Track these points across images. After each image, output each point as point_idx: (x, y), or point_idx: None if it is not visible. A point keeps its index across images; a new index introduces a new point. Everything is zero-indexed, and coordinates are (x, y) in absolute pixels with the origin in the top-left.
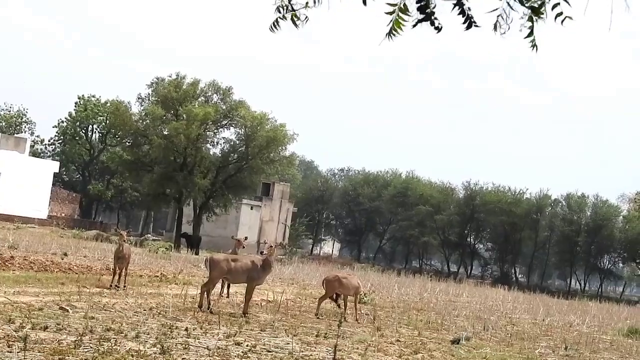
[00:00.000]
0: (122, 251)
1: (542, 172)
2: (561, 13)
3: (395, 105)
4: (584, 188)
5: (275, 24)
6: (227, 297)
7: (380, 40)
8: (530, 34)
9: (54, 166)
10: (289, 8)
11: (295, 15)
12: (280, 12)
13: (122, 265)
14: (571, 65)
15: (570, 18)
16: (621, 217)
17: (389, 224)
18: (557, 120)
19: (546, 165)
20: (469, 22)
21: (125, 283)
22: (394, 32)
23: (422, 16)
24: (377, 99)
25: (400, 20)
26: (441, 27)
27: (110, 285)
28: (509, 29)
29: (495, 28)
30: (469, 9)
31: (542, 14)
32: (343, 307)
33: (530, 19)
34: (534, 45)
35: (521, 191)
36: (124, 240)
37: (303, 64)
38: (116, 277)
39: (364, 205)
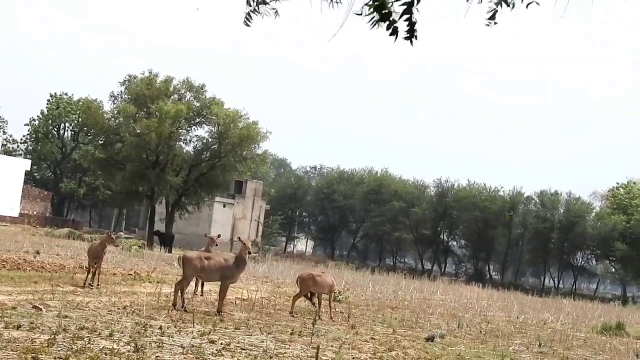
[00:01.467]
0: (97, 249)
1: (515, 170)
2: None
3: (368, 103)
4: (556, 185)
5: (249, 17)
6: (201, 295)
7: (330, 38)
8: (493, 17)
9: (26, 164)
10: (260, 0)
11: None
12: (250, 5)
13: (96, 263)
14: (542, 62)
15: (537, 3)
16: (594, 214)
17: (363, 221)
18: (529, 118)
19: (519, 164)
20: (411, 31)
21: (98, 281)
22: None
23: (378, 17)
24: (351, 97)
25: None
26: (397, 32)
27: (84, 284)
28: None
29: (493, 17)
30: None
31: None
32: (317, 305)
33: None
34: (495, 22)
35: (495, 188)
36: (115, 245)
37: (276, 62)
38: (90, 276)
39: (337, 202)
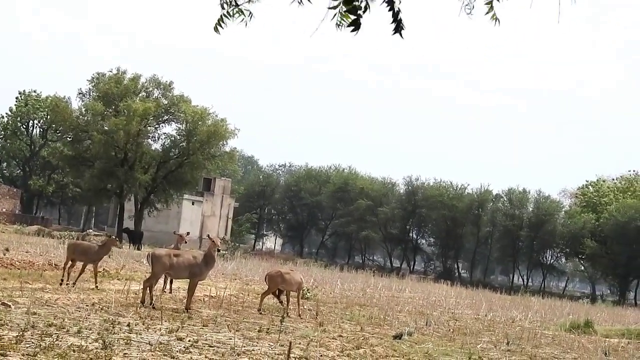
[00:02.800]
0: (99, 252)
1: (483, 168)
2: None
3: (336, 102)
4: (525, 184)
5: (220, 21)
6: (170, 292)
7: (312, 33)
8: (491, 9)
9: None
10: (233, 3)
11: (241, 11)
12: (224, 8)
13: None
14: (509, 60)
15: None
16: (563, 212)
17: (331, 219)
18: (497, 117)
19: (488, 162)
20: (398, 27)
21: (75, 280)
22: (343, 20)
23: (345, 9)
24: (319, 95)
25: (344, 13)
26: (360, 25)
27: (74, 282)
28: (473, 8)
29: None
30: (399, 10)
31: None
32: (285, 303)
33: None
34: (496, 19)
35: (462, 186)
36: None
37: (244, 58)
38: (77, 275)
39: (305, 200)
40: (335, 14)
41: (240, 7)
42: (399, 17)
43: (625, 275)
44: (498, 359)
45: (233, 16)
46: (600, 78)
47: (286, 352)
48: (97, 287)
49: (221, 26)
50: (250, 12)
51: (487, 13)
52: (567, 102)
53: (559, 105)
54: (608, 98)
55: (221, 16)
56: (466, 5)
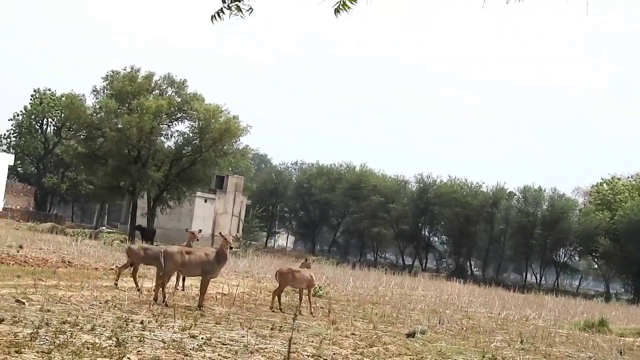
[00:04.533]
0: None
1: (498, 166)
2: None
3: (348, 99)
4: (540, 182)
5: (219, 13)
6: (182, 290)
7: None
8: None
9: (9, 159)
10: None
11: (238, 7)
12: (225, 2)
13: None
14: (522, 56)
15: None
16: (577, 210)
17: (343, 216)
18: (511, 114)
19: (502, 160)
20: None
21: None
22: (343, 8)
23: None
24: (331, 93)
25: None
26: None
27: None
28: None
29: None
30: None
31: None
32: (278, 302)
33: None
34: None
35: (477, 184)
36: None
37: (257, 58)
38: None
39: (317, 198)
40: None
41: (238, 3)
42: None
43: (639, 274)
44: (512, 358)
45: (230, 9)
46: (615, 73)
47: (298, 350)
48: (139, 290)
49: (219, 18)
50: (250, 8)
51: None
52: (581, 100)
53: (572, 102)
54: (622, 95)
55: (221, 9)
56: None
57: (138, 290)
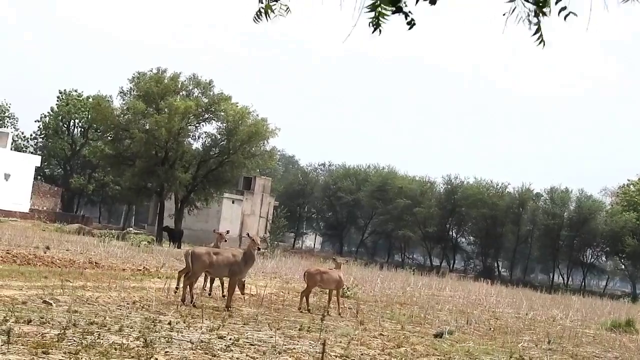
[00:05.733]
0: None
1: (525, 167)
2: (565, 8)
3: (375, 100)
4: (566, 183)
5: (259, 14)
6: (210, 293)
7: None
8: (538, 30)
9: (36, 160)
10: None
11: (270, 9)
12: (262, 2)
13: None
14: (543, 59)
15: (575, 14)
16: (604, 211)
17: (370, 217)
18: (538, 114)
19: (529, 161)
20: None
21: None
22: (378, 22)
23: (393, 9)
24: (358, 94)
25: (382, 12)
26: (414, 23)
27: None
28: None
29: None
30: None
31: (547, 7)
32: (305, 304)
33: (537, 15)
34: (542, 41)
35: (503, 185)
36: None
37: (285, 59)
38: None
39: (344, 199)
40: (375, 16)
41: (276, 3)
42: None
43: None
44: (539, 358)
45: (268, 12)
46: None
47: (326, 350)
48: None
49: (260, 19)
50: (287, 7)
51: (535, 34)
52: (607, 99)
53: (598, 102)
54: None
55: (259, 9)
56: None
57: (175, 291)
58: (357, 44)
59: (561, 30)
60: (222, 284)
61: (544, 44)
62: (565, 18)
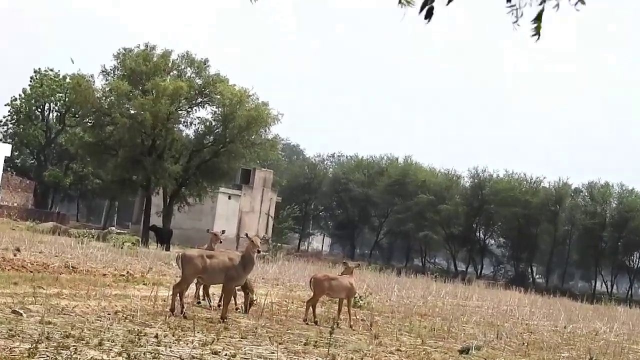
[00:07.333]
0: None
1: (561, 159)
2: None
3: (390, 84)
4: (606, 176)
5: None
6: (203, 300)
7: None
8: (538, 18)
9: (6, 149)
10: None
11: None
12: None
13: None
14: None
15: (583, 2)
16: None
17: (386, 216)
18: (575, 103)
19: (565, 152)
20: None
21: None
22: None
23: None
24: (371, 77)
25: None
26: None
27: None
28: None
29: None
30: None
31: None
32: (311, 315)
33: (543, 1)
34: (538, 33)
35: (538, 179)
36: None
37: (286, 38)
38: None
39: (356, 194)
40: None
41: None
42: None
43: None
44: None
45: None
46: None
47: None
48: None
49: None
50: None
51: (533, 20)
52: None
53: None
54: None
55: None
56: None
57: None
58: (366, 24)
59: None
60: (207, 293)
61: (539, 37)
62: (575, 5)
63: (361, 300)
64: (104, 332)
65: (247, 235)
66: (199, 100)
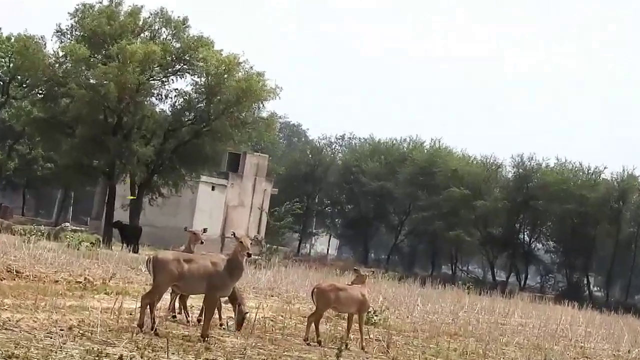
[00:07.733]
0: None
1: (625, 145)
2: None
3: (412, 52)
4: None
5: None
6: (179, 313)
7: None
8: None
9: None
10: None
11: None
12: None
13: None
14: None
15: None
16: None
17: (408, 213)
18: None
19: (631, 137)
20: None
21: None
22: None
23: None
24: (388, 44)
25: None
26: None
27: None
28: None
29: None
30: None
31: None
32: (314, 333)
33: None
34: None
35: (597, 170)
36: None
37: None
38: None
39: (371, 186)
40: None
41: None
42: None
43: None
44: None
45: None
46: None
47: None
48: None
49: None
50: None
51: None
52: None
53: None
54: None
55: None
56: None
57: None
58: None
59: None
60: (172, 300)
61: None
62: None
63: (376, 315)
64: (56, 352)
65: (234, 234)
66: (177, 68)
